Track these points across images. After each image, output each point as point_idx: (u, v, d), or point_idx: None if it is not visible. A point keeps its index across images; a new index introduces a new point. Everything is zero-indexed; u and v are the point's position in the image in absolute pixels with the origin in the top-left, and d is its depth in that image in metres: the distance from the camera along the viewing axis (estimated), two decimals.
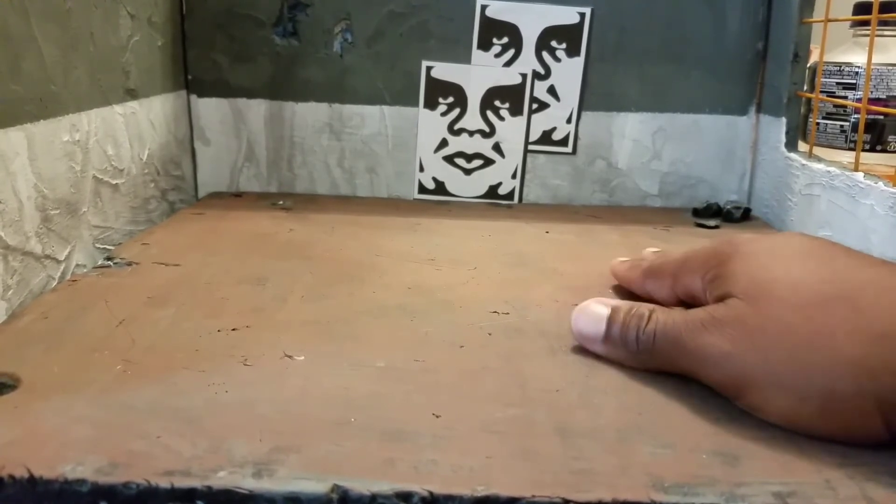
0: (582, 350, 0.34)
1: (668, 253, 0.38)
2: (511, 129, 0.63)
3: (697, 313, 0.30)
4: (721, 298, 0.30)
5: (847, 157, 0.68)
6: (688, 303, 0.34)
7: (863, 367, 0.25)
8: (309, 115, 0.62)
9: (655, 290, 0.37)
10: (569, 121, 0.63)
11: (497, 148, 0.63)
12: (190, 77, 0.62)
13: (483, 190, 0.64)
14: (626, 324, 0.32)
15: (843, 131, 0.71)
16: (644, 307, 0.32)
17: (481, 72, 0.62)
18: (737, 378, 0.28)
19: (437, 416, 0.28)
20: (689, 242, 0.53)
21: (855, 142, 0.69)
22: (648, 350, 0.31)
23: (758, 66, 0.62)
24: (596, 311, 0.33)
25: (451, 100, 0.62)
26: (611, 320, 0.32)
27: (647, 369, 0.31)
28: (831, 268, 0.28)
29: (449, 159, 0.63)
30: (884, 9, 0.50)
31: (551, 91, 0.62)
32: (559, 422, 0.28)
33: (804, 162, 0.54)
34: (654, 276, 0.37)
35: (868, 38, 0.49)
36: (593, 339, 0.33)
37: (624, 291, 0.41)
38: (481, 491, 0.23)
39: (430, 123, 0.63)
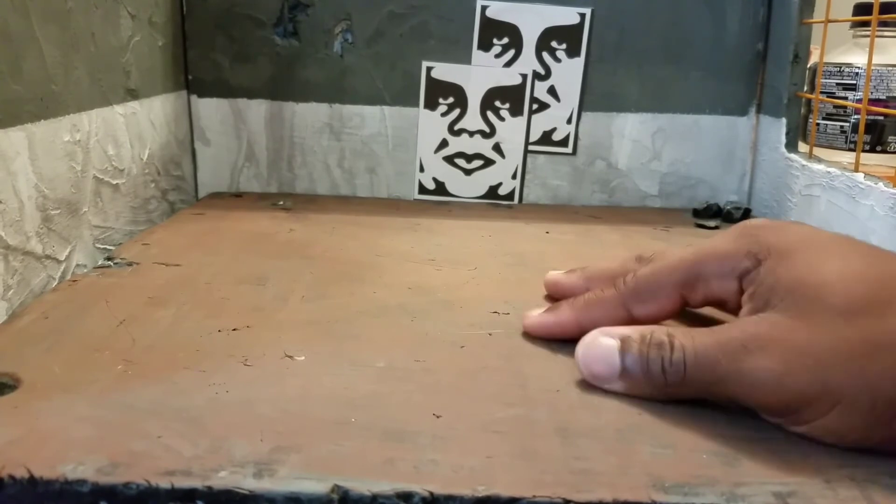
0: None
1: (638, 271, 0.33)
2: (511, 130, 0.63)
3: (733, 334, 0.27)
4: (759, 308, 0.28)
5: (847, 157, 0.68)
6: (696, 311, 0.32)
7: None
8: (309, 115, 0.62)
9: (646, 311, 0.32)
10: (569, 121, 0.63)
11: (497, 148, 0.63)
12: (190, 77, 0.62)
13: (483, 190, 0.64)
14: (646, 356, 0.28)
15: (843, 132, 0.71)
16: (660, 332, 0.29)
17: (481, 72, 0.62)
18: (792, 401, 0.26)
19: (438, 416, 0.28)
20: (689, 243, 0.53)
21: (855, 142, 0.69)
22: (678, 383, 0.28)
23: (758, 66, 0.62)
24: (605, 345, 0.29)
25: (451, 100, 0.62)
26: (623, 353, 0.29)
27: (675, 400, 0.29)
28: (874, 268, 0.27)
29: (449, 160, 0.63)
30: (884, 9, 0.50)
31: (551, 91, 0.62)
32: (560, 422, 0.28)
33: (804, 163, 0.54)
34: (642, 297, 0.32)
35: (868, 39, 0.49)
36: (607, 377, 0.29)
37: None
38: (482, 491, 0.23)
39: (431, 124, 0.63)
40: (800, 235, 0.29)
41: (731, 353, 0.27)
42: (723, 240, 0.31)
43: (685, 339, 0.28)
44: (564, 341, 0.35)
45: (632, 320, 0.32)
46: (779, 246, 0.29)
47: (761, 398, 0.27)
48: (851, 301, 0.26)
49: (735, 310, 0.30)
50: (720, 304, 0.31)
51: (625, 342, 0.29)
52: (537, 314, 0.35)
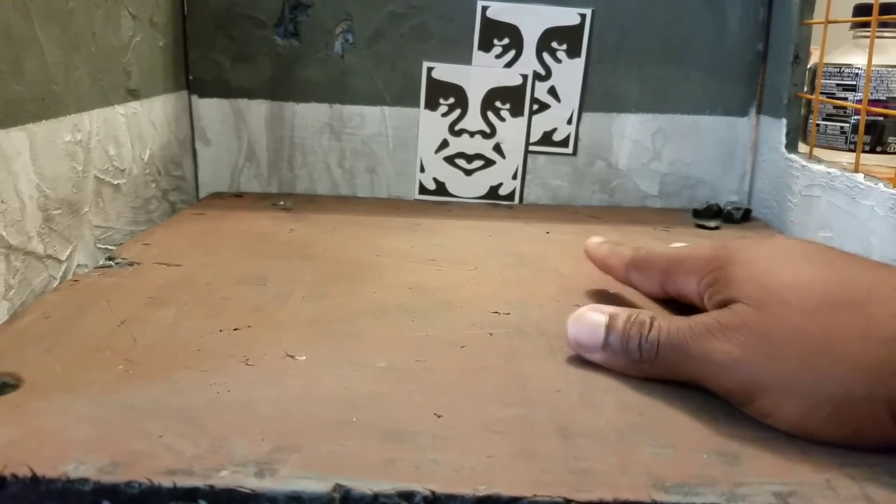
0: None
1: (652, 247, 0.38)
2: (512, 130, 0.63)
3: (702, 319, 0.29)
4: (723, 304, 0.29)
5: (847, 158, 0.68)
6: (676, 300, 0.34)
7: (874, 372, 0.25)
8: (309, 115, 0.63)
9: (641, 282, 0.37)
10: (569, 122, 0.63)
11: (498, 149, 0.63)
12: (191, 77, 0.62)
13: (483, 190, 0.64)
14: (627, 332, 0.31)
15: (843, 132, 0.71)
16: (644, 314, 0.31)
17: (482, 73, 0.62)
18: (747, 384, 0.27)
19: (439, 416, 0.28)
20: (689, 243, 0.53)
21: (855, 143, 0.69)
22: (651, 359, 0.30)
23: (758, 67, 0.62)
24: (593, 319, 0.32)
25: (451, 100, 0.62)
26: (609, 328, 0.31)
27: (648, 378, 0.31)
28: (836, 271, 0.28)
29: (450, 160, 0.63)
30: (884, 10, 0.50)
31: (552, 92, 0.62)
32: (560, 422, 0.28)
33: (804, 163, 0.54)
34: (640, 270, 0.37)
35: (868, 40, 0.49)
36: (591, 348, 0.32)
37: (618, 287, 0.41)
38: (483, 490, 0.23)
39: (431, 124, 0.63)
40: (770, 245, 0.31)
41: (699, 337, 0.29)
42: (702, 246, 0.34)
43: (663, 321, 0.30)
44: (563, 343, 0.35)
45: (630, 283, 0.38)
46: (743, 254, 0.31)
47: (720, 380, 0.28)
48: (809, 298, 0.27)
49: (701, 307, 0.32)
50: (684, 298, 0.34)
51: (612, 319, 0.32)
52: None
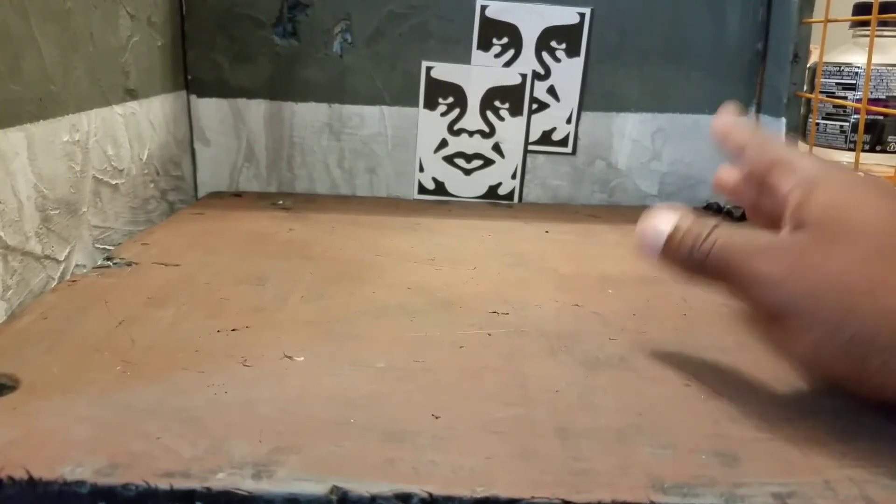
0: (582, 350, 0.34)
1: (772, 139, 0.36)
2: (511, 130, 0.63)
3: (762, 240, 0.30)
4: (794, 227, 0.30)
5: (847, 157, 0.68)
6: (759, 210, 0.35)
7: None
8: (309, 115, 0.62)
9: (746, 162, 0.35)
10: (568, 121, 0.63)
11: (497, 148, 0.63)
12: (190, 77, 0.62)
13: (483, 190, 0.64)
14: (683, 242, 0.31)
15: (842, 132, 0.71)
16: (706, 226, 0.31)
17: (481, 72, 0.62)
18: (781, 306, 0.28)
19: (437, 417, 0.28)
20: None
21: (855, 142, 0.69)
22: (698, 266, 0.31)
23: (757, 66, 0.62)
24: (658, 229, 0.32)
25: (450, 100, 0.62)
26: (670, 238, 0.32)
27: (695, 281, 0.31)
28: None
29: (449, 159, 0.63)
30: (883, 9, 0.50)
31: (551, 91, 0.62)
32: (559, 422, 0.28)
33: None
34: (755, 148, 0.35)
35: (868, 39, 0.49)
36: (652, 251, 0.33)
37: (618, 288, 0.41)
38: (481, 492, 0.23)
39: (430, 124, 0.63)
40: (859, 181, 0.31)
41: (749, 253, 0.29)
42: (805, 156, 0.33)
43: (722, 232, 0.31)
44: (563, 343, 0.35)
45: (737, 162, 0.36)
46: (830, 180, 0.30)
47: (756, 296, 0.29)
48: (870, 246, 0.27)
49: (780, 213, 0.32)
50: (769, 206, 0.33)
51: (675, 230, 0.32)
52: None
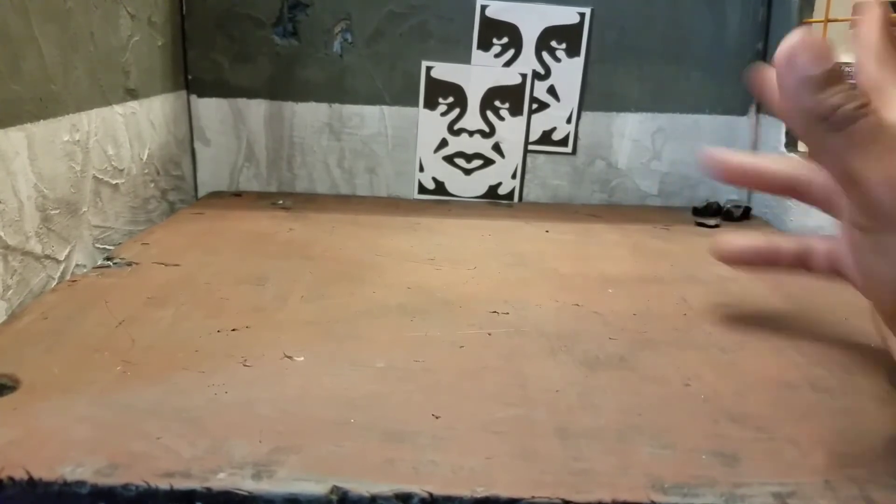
0: (582, 350, 0.34)
1: None
2: (511, 129, 0.63)
3: None
4: None
5: None
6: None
7: None
8: (309, 115, 0.62)
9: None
10: (568, 121, 0.63)
11: (497, 148, 0.63)
12: (190, 77, 0.62)
13: (483, 190, 0.64)
14: (833, 97, 0.27)
15: None
16: (862, 93, 0.27)
17: (481, 72, 0.62)
18: (892, 207, 0.26)
19: (437, 417, 0.28)
20: (689, 241, 0.53)
21: None
22: (841, 126, 0.27)
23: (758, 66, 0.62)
24: (808, 61, 0.27)
25: (450, 100, 0.62)
26: (818, 82, 0.27)
27: (811, 140, 0.28)
28: None
29: (449, 159, 0.63)
30: None
31: (551, 91, 0.62)
32: (559, 422, 0.28)
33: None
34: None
35: None
36: (796, 79, 0.27)
37: (621, 288, 0.40)
38: (481, 492, 0.23)
39: (430, 123, 0.63)
40: None
41: (889, 145, 0.26)
42: None
43: (878, 110, 0.27)
44: (563, 343, 0.35)
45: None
46: None
47: (882, 189, 0.26)
48: None
49: None
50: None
51: (830, 74, 0.27)
52: None
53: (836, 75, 0.27)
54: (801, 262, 0.36)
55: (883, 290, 0.28)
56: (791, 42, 0.27)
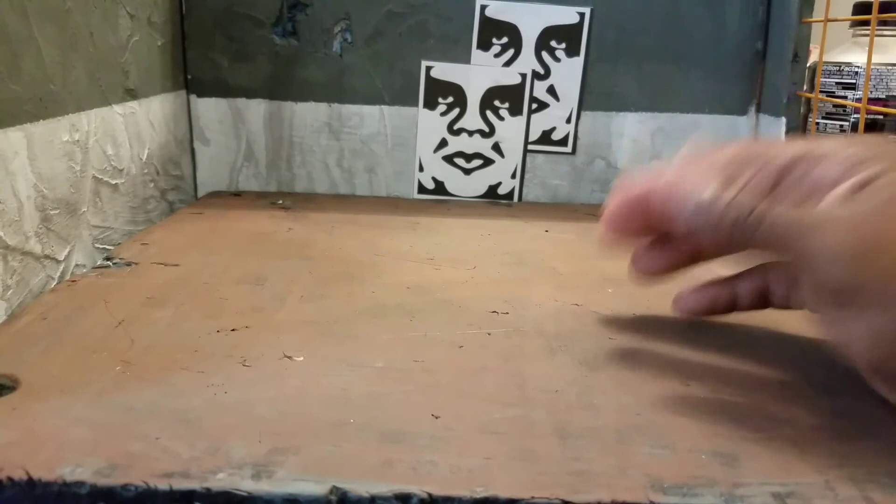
0: (581, 350, 0.34)
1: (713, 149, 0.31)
2: (510, 129, 0.63)
3: (826, 208, 0.26)
4: (859, 201, 0.26)
5: None
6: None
7: None
8: (308, 114, 0.62)
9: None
10: (568, 121, 0.63)
11: (496, 148, 0.63)
12: (189, 77, 0.62)
13: (483, 190, 0.64)
14: (725, 213, 0.28)
15: (842, 131, 0.71)
16: (751, 194, 0.28)
17: (481, 72, 0.62)
18: (853, 281, 0.25)
19: (436, 417, 0.28)
20: None
21: None
22: (746, 239, 0.27)
23: (757, 65, 0.62)
24: (687, 189, 0.29)
25: (450, 99, 0.62)
26: (701, 198, 0.28)
27: (728, 253, 0.29)
28: None
29: (448, 159, 0.63)
30: (883, 9, 0.50)
31: (551, 91, 0.62)
32: (558, 422, 0.28)
33: None
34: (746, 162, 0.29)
35: (868, 38, 0.49)
36: (677, 217, 0.29)
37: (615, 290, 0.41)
38: (480, 492, 0.23)
39: (430, 123, 0.63)
40: None
41: (818, 224, 0.26)
42: (832, 139, 0.29)
43: (768, 204, 0.27)
44: (562, 343, 0.35)
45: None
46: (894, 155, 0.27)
47: (829, 272, 0.26)
48: None
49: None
50: (809, 194, 0.28)
51: (708, 190, 0.28)
52: None
53: (719, 201, 0.28)
54: (761, 299, 0.35)
55: (854, 357, 0.28)
56: (661, 188, 0.29)
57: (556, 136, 0.63)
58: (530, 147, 0.63)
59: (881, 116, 0.70)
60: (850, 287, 0.26)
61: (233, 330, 0.35)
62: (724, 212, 0.28)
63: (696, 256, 0.35)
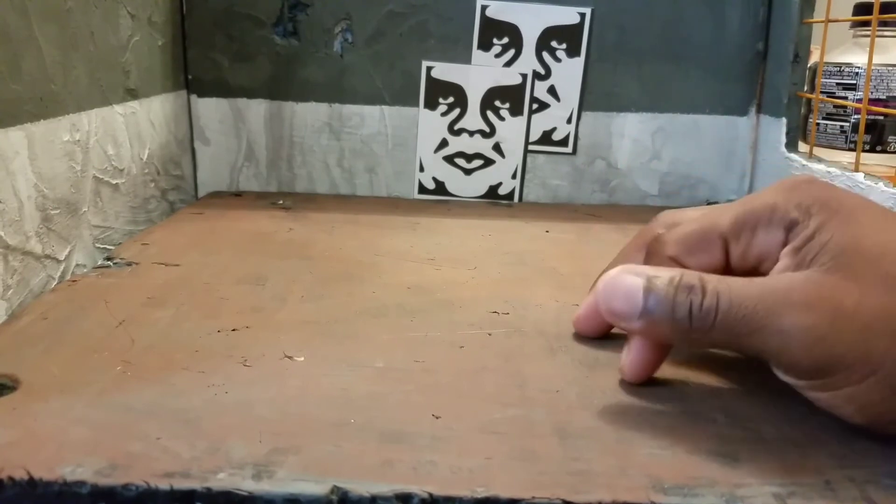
0: (582, 350, 0.34)
1: (684, 219, 0.31)
2: (511, 130, 0.63)
3: (777, 285, 0.26)
4: (803, 264, 0.26)
5: (847, 157, 0.68)
6: (743, 270, 0.28)
7: None
8: (308, 114, 0.62)
9: (694, 263, 0.29)
10: (569, 121, 0.63)
11: (497, 148, 0.63)
12: (190, 77, 0.62)
13: (483, 190, 0.64)
14: (672, 297, 0.27)
15: (843, 132, 0.71)
16: (691, 275, 0.27)
17: (481, 72, 0.62)
18: (828, 363, 0.25)
19: (437, 417, 0.28)
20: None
21: (855, 142, 0.69)
22: (706, 329, 0.26)
23: (758, 66, 0.62)
24: (628, 283, 0.27)
25: (451, 100, 0.62)
26: (648, 291, 0.27)
27: (697, 348, 0.28)
28: None
29: (449, 159, 0.63)
30: (884, 9, 0.50)
31: (551, 91, 0.62)
32: (558, 422, 0.28)
33: (804, 162, 0.54)
34: (691, 249, 0.30)
35: (868, 39, 0.49)
36: (627, 316, 0.28)
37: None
38: (481, 492, 0.23)
39: (430, 123, 0.63)
40: (854, 198, 0.27)
41: (772, 307, 0.25)
42: (769, 192, 0.29)
43: (721, 284, 0.26)
44: (562, 343, 0.35)
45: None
46: (832, 203, 0.27)
47: (796, 356, 0.25)
48: None
49: (771, 267, 0.28)
50: (759, 262, 0.29)
51: (650, 281, 0.27)
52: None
53: (652, 285, 0.27)
54: None
55: (843, 417, 0.27)
56: (601, 295, 0.28)
57: (556, 136, 0.63)
58: (531, 147, 0.63)
59: (881, 117, 0.70)
60: (821, 366, 0.25)
61: (233, 330, 0.35)
62: (674, 301, 0.27)
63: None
